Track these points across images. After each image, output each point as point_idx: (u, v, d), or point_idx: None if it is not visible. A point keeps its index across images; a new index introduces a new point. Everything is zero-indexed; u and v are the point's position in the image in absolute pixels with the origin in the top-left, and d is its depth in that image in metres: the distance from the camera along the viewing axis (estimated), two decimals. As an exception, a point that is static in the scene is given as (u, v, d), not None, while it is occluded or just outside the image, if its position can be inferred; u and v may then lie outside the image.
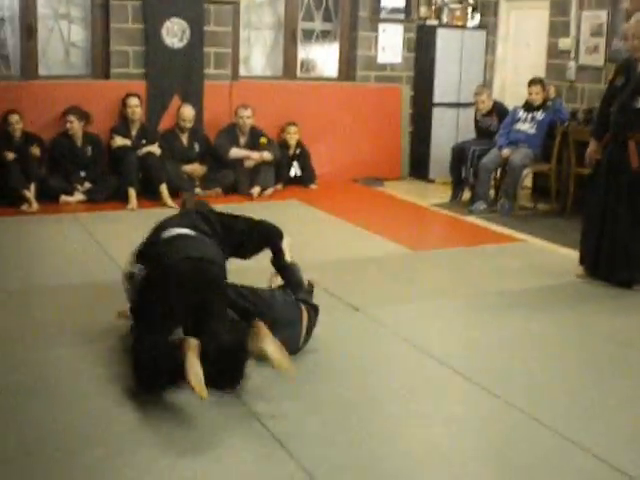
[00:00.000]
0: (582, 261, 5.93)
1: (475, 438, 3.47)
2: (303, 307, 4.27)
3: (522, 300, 5.38)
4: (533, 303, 5.32)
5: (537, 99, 8.33)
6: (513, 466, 3.22)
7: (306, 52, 9.84)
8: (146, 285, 3.91)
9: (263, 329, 3.70)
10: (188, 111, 8.53)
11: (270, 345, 3.64)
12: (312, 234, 7.02)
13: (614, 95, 5.70)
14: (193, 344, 3.58)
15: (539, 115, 8.30)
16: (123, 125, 8.38)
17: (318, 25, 9.78)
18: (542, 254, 6.69)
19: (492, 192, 8.73)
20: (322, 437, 3.39)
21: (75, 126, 8.03)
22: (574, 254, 6.17)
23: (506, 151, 8.29)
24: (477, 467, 3.21)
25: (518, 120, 8.42)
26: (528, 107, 8.41)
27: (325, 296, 5.01)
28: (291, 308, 4.22)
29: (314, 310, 4.36)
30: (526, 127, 8.34)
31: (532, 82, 8.41)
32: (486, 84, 9.73)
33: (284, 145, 9.09)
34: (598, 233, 5.70)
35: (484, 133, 8.89)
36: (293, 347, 4.05)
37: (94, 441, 3.31)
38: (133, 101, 8.32)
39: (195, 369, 3.47)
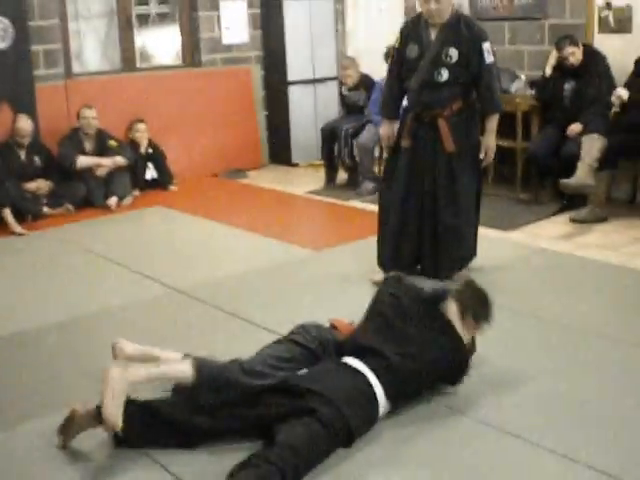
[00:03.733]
0: (387, 263, 5.12)
1: None
2: None
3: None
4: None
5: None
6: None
7: (144, 40, 8.85)
8: None
9: None
10: (24, 124, 7.34)
11: None
12: (191, 246, 6.27)
13: (410, 68, 4.91)
14: None
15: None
16: (-55, 143, 7.20)
17: (154, 8, 8.80)
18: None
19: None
20: None
21: None
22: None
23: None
24: None
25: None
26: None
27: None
28: None
29: None
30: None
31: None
32: (339, 55, 9.11)
33: (135, 146, 8.14)
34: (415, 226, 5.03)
35: (352, 108, 8.25)
36: None
37: None
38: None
39: None
